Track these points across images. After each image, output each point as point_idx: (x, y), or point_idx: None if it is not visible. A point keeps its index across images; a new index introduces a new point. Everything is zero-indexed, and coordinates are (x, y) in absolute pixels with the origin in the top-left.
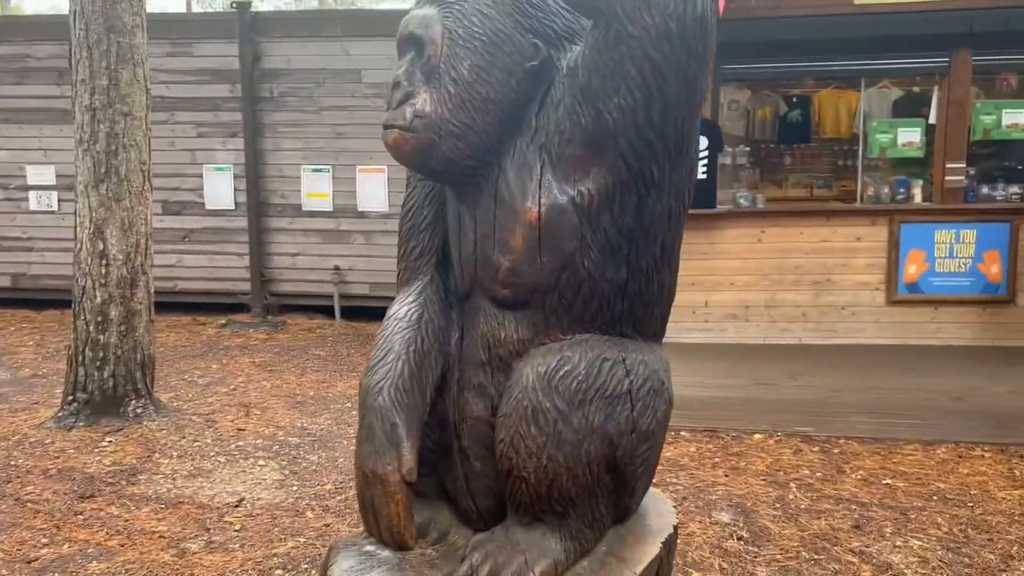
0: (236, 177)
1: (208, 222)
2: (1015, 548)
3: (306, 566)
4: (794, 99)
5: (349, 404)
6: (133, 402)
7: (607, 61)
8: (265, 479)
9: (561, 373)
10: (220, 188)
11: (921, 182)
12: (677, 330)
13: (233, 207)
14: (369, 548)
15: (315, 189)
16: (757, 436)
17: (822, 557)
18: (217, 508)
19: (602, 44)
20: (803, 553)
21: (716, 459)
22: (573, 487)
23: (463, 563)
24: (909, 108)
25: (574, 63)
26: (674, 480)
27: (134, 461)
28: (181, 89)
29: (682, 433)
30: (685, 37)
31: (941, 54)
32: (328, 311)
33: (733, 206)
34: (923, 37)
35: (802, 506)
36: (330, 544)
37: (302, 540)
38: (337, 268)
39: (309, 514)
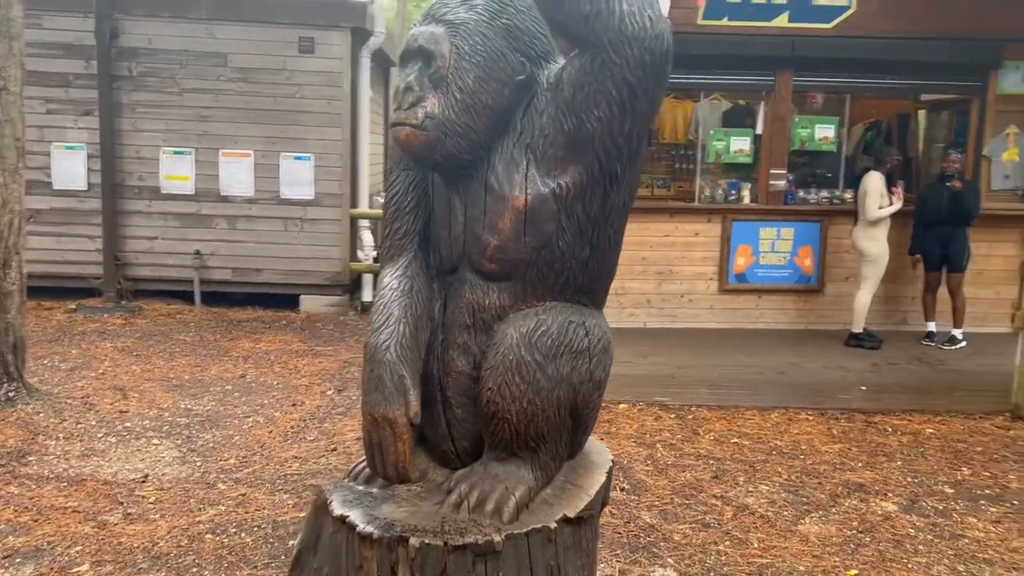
0: (90, 157)
1: (56, 203)
2: (839, 488)
3: (234, 529)
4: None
5: (229, 387)
6: (5, 385)
7: (591, 81)
8: (164, 457)
9: (539, 332)
10: (71, 168)
11: (749, 185)
12: None
13: (86, 188)
14: (360, 488)
15: (175, 172)
16: (623, 406)
17: (691, 502)
18: (124, 484)
19: (588, 68)
20: (676, 499)
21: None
22: (545, 426)
23: (451, 493)
24: (737, 119)
25: (557, 79)
26: None
27: (19, 443)
28: (29, 63)
29: None
30: (655, 66)
31: (767, 73)
32: (186, 296)
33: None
34: (753, 57)
35: (669, 462)
36: (318, 489)
37: (223, 508)
38: (198, 253)
39: (221, 486)
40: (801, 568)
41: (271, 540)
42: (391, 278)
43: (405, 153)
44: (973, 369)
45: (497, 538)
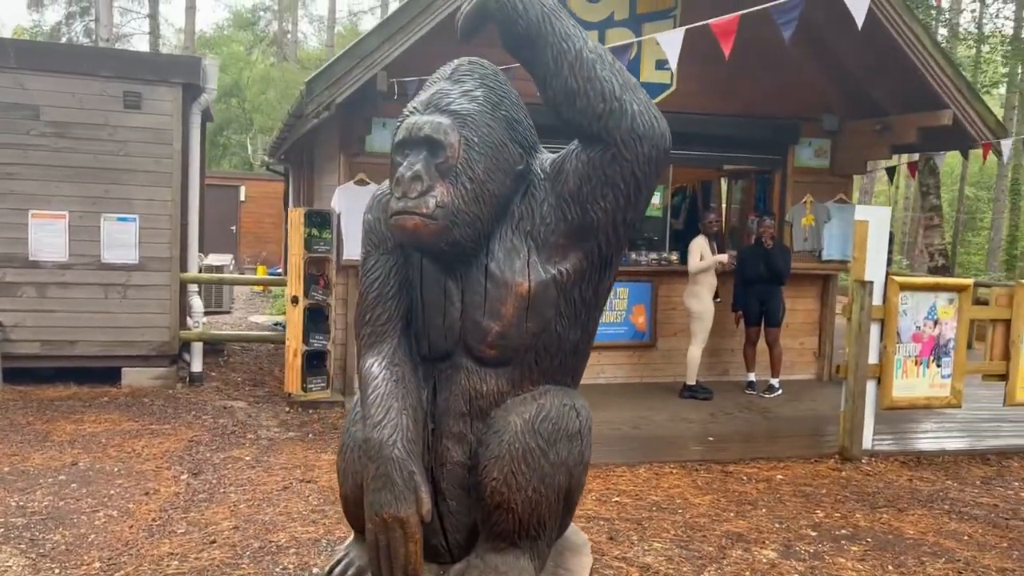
0: None
1: None
2: (723, 540)
3: None
4: None
5: (63, 477)
6: None
7: (600, 174)
8: (11, 565)
9: (540, 418)
10: None
11: None
12: None
13: None
14: None
15: None
16: None
17: (598, 565)
18: None
19: (597, 161)
20: None
21: None
22: (547, 513)
23: None
24: None
25: (557, 170)
26: None
27: None
28: None
29: None
30: (658, 161)
31: None
32: None
33: None
34: None
35: None
36: None
37: None
38: (0, 324)
39: None
40: None
41: None
42: (378, 367)
43: (410, 243)
44: (795, 415)
45: None
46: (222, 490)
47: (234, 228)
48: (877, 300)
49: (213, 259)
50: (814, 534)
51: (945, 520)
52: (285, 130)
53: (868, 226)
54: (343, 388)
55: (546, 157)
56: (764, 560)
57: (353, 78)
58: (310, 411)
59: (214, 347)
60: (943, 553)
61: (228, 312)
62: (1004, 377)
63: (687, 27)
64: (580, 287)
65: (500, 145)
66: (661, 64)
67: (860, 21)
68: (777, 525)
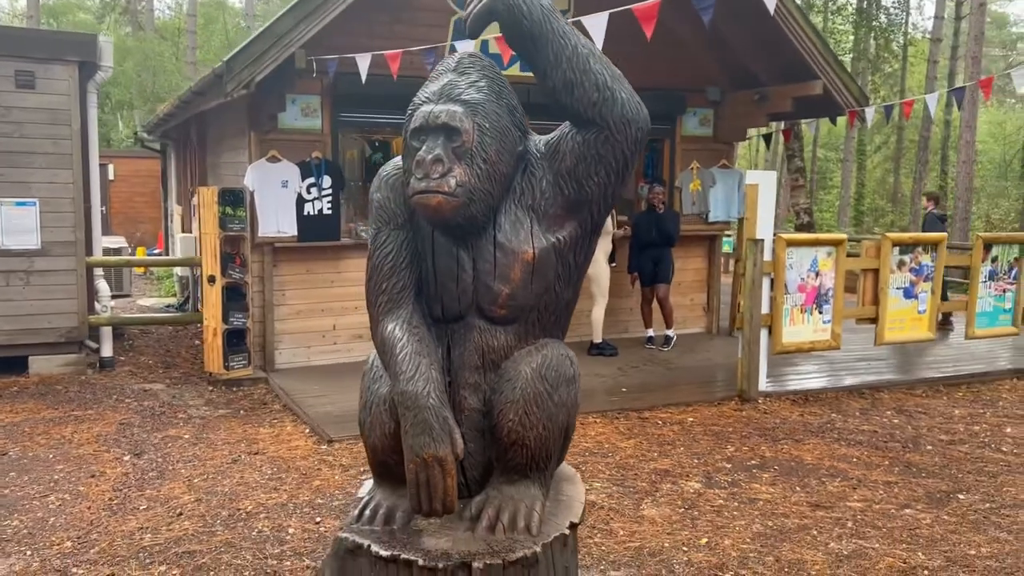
0: None
1: None
2: (652, 476)
3: None
4: (376, 144)
5: (24, 464)
6: None
7: (594, 154)
8: None
9: (545, 366)
10: None
11: None
12: (308, 354)
13: None
14: (378, 529)
15: None
16: None
17: None
18: None
19: (592, 142)
20: None
21: None
22: (553, 447)
23: (481, 519)
24: None
25: (553, 150)
26: None
27: None
28: None
29: None
30: (641, 141)
31: None
32: None
33: (354, 238)
34: None
35: None
36: (338, 538)
37: None
38: None
39: (77, 571)
40: (666, 544)
41: None
42: (400, 330)
43: (432, 218)
44: (693, 365)
45: (538, 550)
46: (171, 467)
47: (104, 209)
48: (767, 256)
49: (108, 241)
50: (728, 466)
51: (835, 447)
52: (179, 107)
53: (758, 189)
54: (263, 365)
55: (538, 139)
56: (691, 490)
57: (271, 57)
58: (234, 389)
59: (116, 332)
60: (838, 473)
61: (129, 296)
62: (874, 320)
63: (611, 11)
64: (574, 252)
65: (506, 130)
66: None
67: (771, 7)
68: (696, 460)
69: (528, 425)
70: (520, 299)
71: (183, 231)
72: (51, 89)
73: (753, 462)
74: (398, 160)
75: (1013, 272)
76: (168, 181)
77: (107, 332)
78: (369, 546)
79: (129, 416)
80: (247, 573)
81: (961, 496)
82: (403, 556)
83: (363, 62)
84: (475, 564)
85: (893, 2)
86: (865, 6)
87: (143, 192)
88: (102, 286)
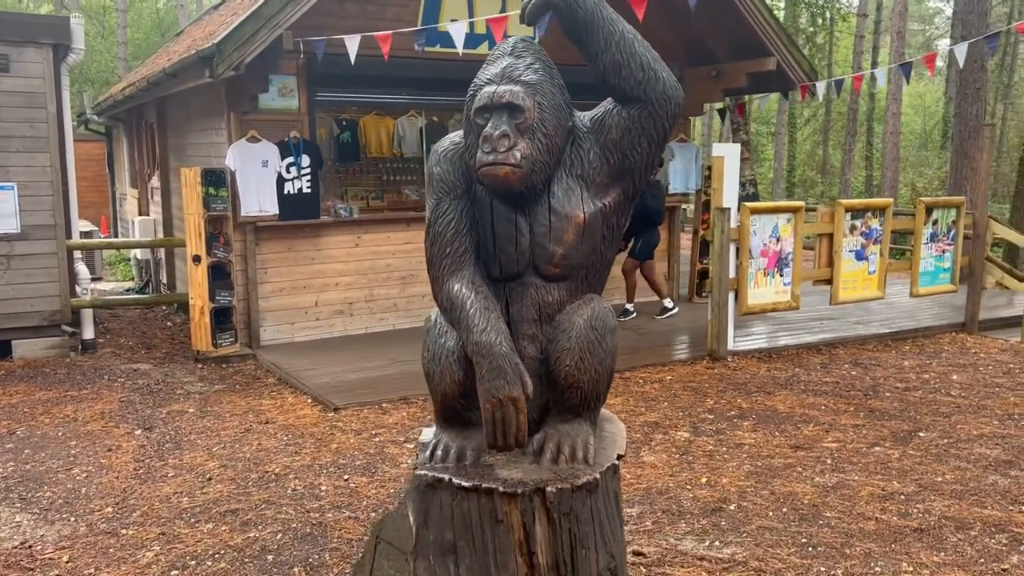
0: None
1: None
2: (645, 428)
3: (193, 563)
4: (344, 122)
5: (11, 445)
6: None
7: (638, 127)
8: (20, 522)
9: (594, 317)
10: None
11: None
12: (292, 330)
13: None
14: (451, 465)
15: None
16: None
17: None
18: (8, 554)
19: (636, 116)
20: None
21: (430, 415)
22: (602, 388)
23: (543, 452)
24: (435, 135)
25: (599, 124)
26: (418, 435)
27: None
28: None
29: (384, 406)
30: (677, 116)
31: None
32: None
33: (333, 216)
34: (456, 80)
35: None
36: (417, 475)
37: (157, 549)
38: None
39: (125, 532)
40: (671, 484)
41: (247, 560)
42: (467, 289)
43: (498, 187)
44: (661, 330)
45: (597, 476)
46: (185, 439)
47: None
48: (733, 223)
49: (80, 225)
50: (711, 416)
51: (804, 397)
52: (145, 89)
53: (724, 160)
54: (249, 342)
55: (582, 115)
56: (682, 439)
57: (260, 39)
58: (224, 365)
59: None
60: (810, 419)
61: (100, 279)
62: (829, 282)
63: None
64: (617, 215)
65: (559, 107)
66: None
67: None
68: (681, 413)
69: (583, 369)
70: (572, 258)
71: (140, 214)
72: (26, 72)
73: (732, 413)
74: (453, 136)
75: (951, 234)
76: (117, 165)
77: (88, 315)
78: (450, 479)
79: (127, 394)
80: (295, 525)
81: (921, 434)
82: (484, 485)
83: (352, 43)
84: (548, 489)
85: None
86: None
87: (86, 176)
88: (82, 269)
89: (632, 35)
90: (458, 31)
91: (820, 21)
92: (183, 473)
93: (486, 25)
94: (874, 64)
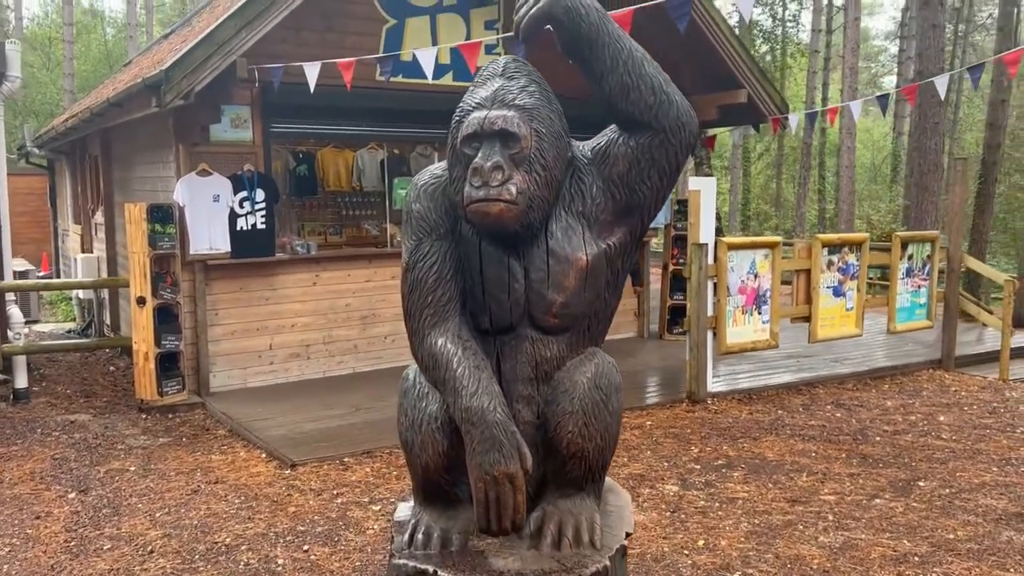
0: None
1: None
2: (630, 481)
3: None
4: (301, 155)
5: None
6: None
7: (648, 158)
8: None
9: (599, 375)
10: None
11: None
12: (245, 375)
13: None
14: (434, 553)
15: None
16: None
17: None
18: None
19: (646, 146)
20: None
21: (396, 471)
22: (608, 456)
23: (543, 536)
24: (396, 167)
25: (603, 155)
26: (384, 495)
27: None
28: None
29: (346, 460)
30: (692, 146)
31: (437, 126)
32: None
33: (290, 253)
34: (422, 112)
35: None
36: (397, 565)
37: None
38: None
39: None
40: (666, 548)
41: None
42: (451, 344)
43: (490, 227)
44: (635, 370)
45: (607, 563)
46: (125, 502)
47: None
48: (711, 260)
49: (15, 264)
50: (698, 467)
51: (792, 442)
52: (88, 120)
53: (700, 195)
54: (198, 389)
55: (581, 144)
56: (670, 493)
57: (212, 65)
58: (170, 415)
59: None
60: (802, 468)
61: (37, 321)
62: (808, 319)
63: None
64: (622, 258)
65: (559, 135)
66: (490, 49)
67: (747, 16)
68: (666, 464)
69: (587, 436)
70: (573, 307)
71: (84, 251)
72: None
73: (720, 462)
74: (434, 168)
75: (926, 268)
76: (59, 199)
77: (21, 361)
78: (435, 571)
79: (61, 450)
80: None
81: (921, 483)
82: None
83: (311, 71)
84: None
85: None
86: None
87: (24, 211)
88: (15, 312)
89: (641, 54)
90: (427, 59)
91: (778, 56)
92: (121, 545)
93: (450, 54)
94: (824, 100)
